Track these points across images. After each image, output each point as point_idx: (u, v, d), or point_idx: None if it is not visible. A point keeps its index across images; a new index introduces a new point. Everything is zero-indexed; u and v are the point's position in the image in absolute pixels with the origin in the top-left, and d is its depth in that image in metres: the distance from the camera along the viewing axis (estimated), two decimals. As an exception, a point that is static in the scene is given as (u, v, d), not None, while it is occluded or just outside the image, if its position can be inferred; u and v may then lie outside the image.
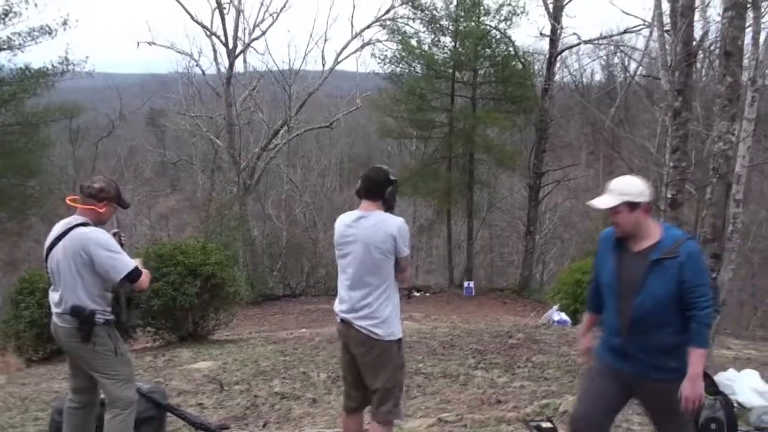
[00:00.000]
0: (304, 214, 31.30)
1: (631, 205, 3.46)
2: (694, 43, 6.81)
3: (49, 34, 24.74)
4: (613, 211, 3.51)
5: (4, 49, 24.31)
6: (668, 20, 7.06)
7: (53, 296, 4.46)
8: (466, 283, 24.83)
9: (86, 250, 4.25)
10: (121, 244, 4.56)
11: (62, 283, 4.36)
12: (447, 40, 26.99)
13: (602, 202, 3.55)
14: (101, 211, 4.41)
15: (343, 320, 4.28)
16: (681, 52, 6.57)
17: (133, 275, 4.29)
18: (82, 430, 4.68)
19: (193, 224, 33.97)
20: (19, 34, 24.21)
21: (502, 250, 36.74)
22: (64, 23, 24.74)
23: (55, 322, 4.48)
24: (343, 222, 4.29)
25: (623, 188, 3.51)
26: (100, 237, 4.30)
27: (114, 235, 4.54)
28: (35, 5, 24.90)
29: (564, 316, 12.82)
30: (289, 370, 8.42)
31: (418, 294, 23.85)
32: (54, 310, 4.47)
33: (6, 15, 23.81)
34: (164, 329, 11.78)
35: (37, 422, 6.67)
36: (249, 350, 10.36)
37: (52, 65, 24.98)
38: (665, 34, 7.05)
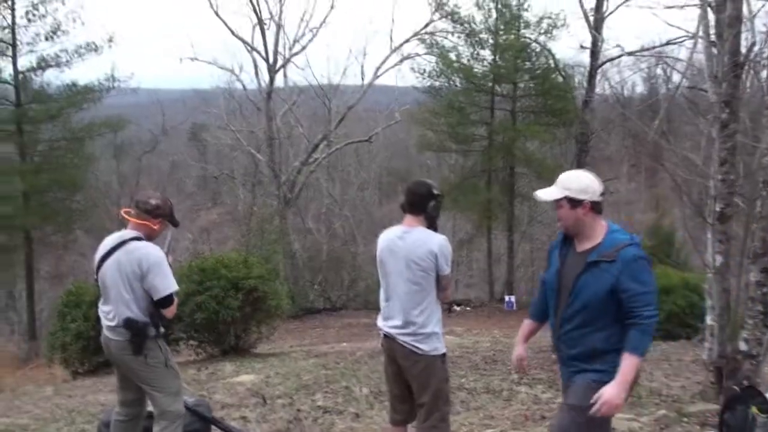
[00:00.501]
0: (344, 227, 31.38)
1: (573, 202, 3.38)
2: (742, 54, 6.69)
3: (95, 50, 25.37)
4: (556, 204, 3.45)
5: (52, 66, 24.93)
6: (713, 31, 6.95)
7: (104, 309, 4.51)
8: (507, 298, 24.65)
9: (141, 265, 4.31)
10: (169, 265, 4.62)
11: (114, 296, 4.41)
12: (486, 53, 26.98)
13: (545, 193, 3.51)
14: (155, 227, 4.49)
15: (386, 335, 4.27)
16: (728, 63, 6.46)
17: (169, 300, 4.35)
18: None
19: (234, 237, 34.28)
20: (67, 51, 24.85)
21: (542, 264, 36.29)
22: (110, 40, 25.39)
23: (106, 335, 4.53)
24: (385, 238, 4.30)
25: (567, 183, 3.45)
26: (157, 253, 4.38)
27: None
28: (82, 23, 25.52)
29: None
30: (331, 384, 8.41)
31: (458, 308, 23.73)
32: (105, 323, 4.52)
33: (54, 33, 24.44)
34: (207, 342, 11.88)
35: (84, 434, 6.76)
36: (291, 364, 10.39)
37: (99, 82, 25.58)
38: (711, 46, 6.94)
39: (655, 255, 25.48)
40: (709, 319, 6.71)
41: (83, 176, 27.08)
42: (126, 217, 4.58)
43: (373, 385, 8.23)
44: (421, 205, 4.21)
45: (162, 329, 4.50)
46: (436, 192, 4.24)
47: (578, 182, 3.43)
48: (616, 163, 40.28)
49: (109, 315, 4.47)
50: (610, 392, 3.15)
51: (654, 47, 20.77)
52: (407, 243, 4.14)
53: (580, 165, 25.83)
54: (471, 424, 6.45)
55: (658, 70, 37.93)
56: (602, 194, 3.44)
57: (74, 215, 26.41)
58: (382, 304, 4.31)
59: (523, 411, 6.86)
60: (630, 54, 19.74)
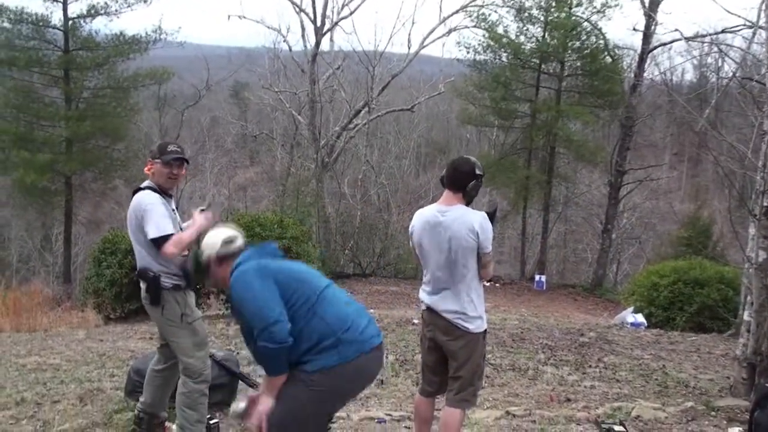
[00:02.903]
0: (379, 195, 31.31)
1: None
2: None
3: (145, 1, 25.40)
4: None
5: (102, 14, 25.09)
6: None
7: None
8: (537, 277, 24.50)
9: (136, 212, 4.36)
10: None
11: (133, 247, 4.49)
12: (535, 30, 26.53)
13: None
14: (147, 171, 4.51)
15: (429, 308, 4.27)
16: (789, 55, 6.28)
17: (158, 242, 4.26)
18: (162, 391, 4.77)
19: (269, 197, 34.48)
20: (116, 0, 24.95)
21: (576, 246, 36.11)
22: (160, -8, 25.38)
23: None
24: (424, 216, 4.26)
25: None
26: (144, 199, 4.37)
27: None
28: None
29: (640, 318, 12.50)
30: (358, 350, 8.43)
31: (487, 284, 23.63)
32: None
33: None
34: (237, 298, 11.98)
35: (113, 378, 6.88)
36: (319, 326, 10.42)
37: (146, 33, 25.66)
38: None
39: (691, 246, 25.27)
40: (746, 315, 6.60)
41: (126, 126, 27.30)
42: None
43: (399, 353, 8.26)
44: (463, 182, 4.16)
45: (184, 281, 4.46)
46: (479, 172, 4.18)
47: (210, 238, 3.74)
48: (659, 150, 39.68)
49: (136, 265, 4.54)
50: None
51: (709, 34, 20.19)
52: (447, 221, 4.10)
53: (622, 149, 25.51)
54: (495, 400, 6.45)
55: (710, 59, 37.05)
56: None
57: (115, 164, 26.67)
58: (425, 278, 4.30)
59: (548, 391, 6.84)
60: (686, 39, 19.18)
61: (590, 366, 8.21)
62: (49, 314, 13.81)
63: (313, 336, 3.30)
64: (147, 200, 4.35)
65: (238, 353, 7.61)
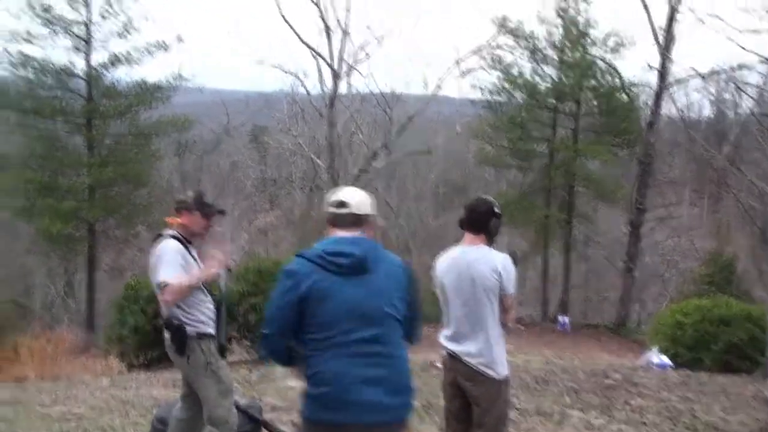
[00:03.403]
0: (398, 237, 31.37)
1: None
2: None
3: (165, 49, 25.90)
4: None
5: (123, 63, 25.57)
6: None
7: None
8: (560, 318, 24.28)
9: (154, 261, 4.40)
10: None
11: (156, 294, 4.51)
12: (550, 70, 26.70)
13: None
14: (181, 221, 4.54)
15: (450, 354, 4.25)
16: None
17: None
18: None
19: (289, 240, 34.60)
20: (137, 49, 25.47)
21: (598, 285, 35.82)
22: (179, 39, 26.00)
23: None
24: (447, 257, 4.27)
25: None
26: (162, 248, 4.40)
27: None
28: (153, 22, 26.16)
29: (665, 359, 12.34)
30: (381, 395, 8.37)
31: (509, 325, 23.42)
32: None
33: (126, 31, 25.09)
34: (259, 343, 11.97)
35: (137, 427, 6.87)
36: (341, 371, 10.37)
37: (167, 80, 26.09)
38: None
39: (714, 283, 24.98)
40: (774, 355, 6.51)
41: (147, 172, 27.61)
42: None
43: (423, 399, 8.17)
44: (483, 222, 4.18)
45: (210, 330, 4.48)
46: (497, 210, 4.21)
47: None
48: (678, 187, 39.50)
49: (160, 312, 4.57)
50: None
51: (725, 71, 20.27)
52: (469, 262, 4.11)
53: (641, 187, 25.43)
54: (521, 445, 6.37)
55: (727, 95, 37.02)
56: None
57: (137, 210, 26.91)
58: (446, 322, 4.29)
59: (575, 436, 6.75)
60: (701, 77, 19.26)
61: (617, 409, 8.09)
62: (73, 362, 13.85)
63: (308, 373, 3.19)
64: (165, 249, 4.40)
65: (261, 399, 7.60)
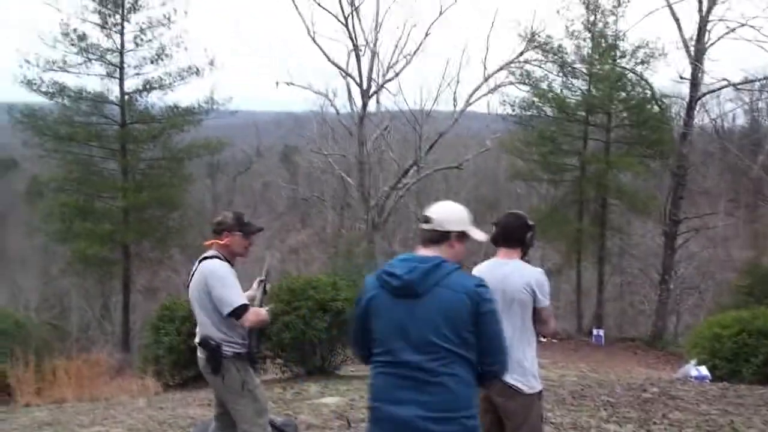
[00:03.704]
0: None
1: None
2: None
3: (197, 74, 26.29)
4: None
5: (156, 89, 26.01)
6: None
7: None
8: (595, 331, 24.05)
9: (205, 282, 4.41)
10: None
11: (196, 315, 4.56)
12: (579, 83, 26.62)
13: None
14: (223, 242, 4.56)
15: None
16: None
17: (238, 312, 4.33)
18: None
19: (321, 259, 34.73)
20: (170, 74, 25.90)
21: (633, 298, 35.40)
22: (211, 63, 26.33)
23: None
24: (480, 271, 4.26)
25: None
26: (217, 269, 4.43)
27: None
28: (185, 48, 26.53)
29: (704, 371, 12.14)
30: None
31: (544, 339, 23.24)
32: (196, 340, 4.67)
33: (159, 57, 25.54)
34: (293, 362, 12.00)
35: (174, 446, 6.94)
36: (375, 388, 10.36)
37: (199, 104, 26.45)
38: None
39: (752, 294, 24.55)
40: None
41: (181, 195, 27.98)
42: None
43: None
44: (517, 237, 4.19)
45: (246, 349, 4.52)
46: (530, 223, 4.21)
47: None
48: (713, 197, 39.00)
49: (195, 332, 4.62)
50: None
51: (758, 80, 20.03)
52: (504, 276, 4.10)
53: (675, 198, 25.16)
54: (557, 460, 6.32)
55: (761, 104, 36.56)
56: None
57: (170, 233, 27.29)
58: None
59: (612, 450, 6.67)
60: (734, 86, 19.04)
61: (655, 423, 7.98)
62: (110, 383, 14.00)
63: (368, 382, 3.22)
64: (222, 271, 4.43)
65: (296, 418, 7.64)
